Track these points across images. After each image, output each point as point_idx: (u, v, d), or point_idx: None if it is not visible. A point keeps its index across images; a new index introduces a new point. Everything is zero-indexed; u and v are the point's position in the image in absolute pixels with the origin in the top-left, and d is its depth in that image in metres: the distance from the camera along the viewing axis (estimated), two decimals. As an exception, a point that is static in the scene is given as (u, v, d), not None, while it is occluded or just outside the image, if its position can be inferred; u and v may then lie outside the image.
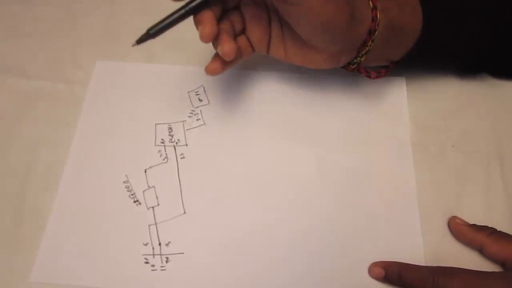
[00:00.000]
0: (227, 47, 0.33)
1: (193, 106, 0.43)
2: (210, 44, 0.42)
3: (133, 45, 0.33)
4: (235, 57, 0.34)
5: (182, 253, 0.37)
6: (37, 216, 0.38)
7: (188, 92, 0.44)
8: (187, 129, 0.42)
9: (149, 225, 0.38)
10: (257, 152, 0.41)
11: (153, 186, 0.39)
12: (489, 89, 0.43)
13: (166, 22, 0.32)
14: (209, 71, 0.35)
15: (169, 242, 0.37)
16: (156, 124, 0.42)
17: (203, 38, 0.32)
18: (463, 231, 0.36)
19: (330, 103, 0.43)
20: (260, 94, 0.44)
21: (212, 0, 0.32)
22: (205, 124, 0.42)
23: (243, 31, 0.37)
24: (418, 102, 0.43)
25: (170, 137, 0.42)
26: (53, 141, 0.42)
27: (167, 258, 0.36)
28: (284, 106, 0.43)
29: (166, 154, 0.41)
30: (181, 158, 0.41)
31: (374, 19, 0.34)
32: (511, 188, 0.39)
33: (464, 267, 0.33)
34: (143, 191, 0.39)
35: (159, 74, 0.45)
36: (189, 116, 0.43)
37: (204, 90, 0.44)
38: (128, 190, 0.39)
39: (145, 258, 0.36)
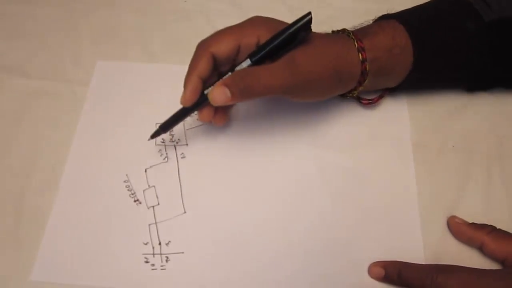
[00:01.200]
0: (219, 121, 0.38)
1: (193, 106, 0.43)
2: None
3: (149, 139, 0.38)
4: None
5: (182, 253, 0.37)
6: (37, 216, 0.38)
7: (189, 92, 0.44)
8: (187, 129, 0.42)
9: (149, 225, 0.38)
10: (257, 152, 0.41)
11: (154, 186, 0.39)
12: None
13: (174, 120, 0.37)
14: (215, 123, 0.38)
15: (169, 241, 0.37)
16: (156, 124, 0.42)
17: (201, 120, 0.37)
18: (462, 230, 0.36)
19: (330, 103, 0.43)
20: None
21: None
22: (205, 123, 0.42)
23: None
24: (418, 102, 0.43)
25: (171, 137, 0.42)
26: (53, 141, 0.42)
27: (167, 257, 0.36)
28: (285, 106, 0.43)
29: (166, 153, 0.41)
30: (182, 157, 0.41)
31: (363, 72, 0.37)
32: (511, 188, 0.39)
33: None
34: (144, 191, 0.39)
35: (159, 74, 0.45)
36: (190, 116, 0.43)
37: (205, 90, 0.44)
38: (128, 190, 0.39)
39: (145, 257, 0.36)
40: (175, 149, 0.41)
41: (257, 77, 0.33)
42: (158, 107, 0.43)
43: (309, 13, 0.33)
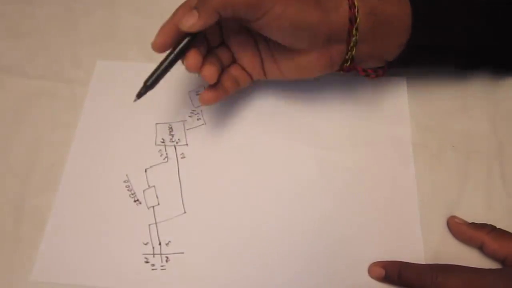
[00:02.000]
0: (207, 71, 0.35)
1: (193, 106, 0.43)
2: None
3: (134, 100, 0.35)
4: (231, 86, 0.38)
5: (182, 253, 0.37)
6: (37, 216, 0.38)
7: (189, 92, 0.44)
8: (187, 129, 0.42)
9: (149, 225, 0.38)
10: (257, 152, 0.41)
11: (154, 186, 0.39)
12: (489, 89, 0.43)
13: (158, 71, 0.34)
14: (203, 100, 0.37)
15: (169, 241, 0.37)
16: (156, 124, 0.42)
17: (189, 69, 0.35)
18: (462, 230, 0.36)
19: (330, 103, 0.43)
20: (261, 95, 0.44)
21: (195, 41, 0.34)
22: (205, 123, 0.42)
23: (235, 62, 0.39)
24: (419, 102, 0.43)
25: (171, 137, 0.42)
26: (53, 141, 0.42)
27: (167, 257, 0.36)
28: (285, 106, 0.43)
29: (166, 153, 0.41)
30: (182, 157, 0.41)
31: (351, 6, 0.34)
32: (511, 188, 0.39)
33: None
34: (144, 191, 0.39)
35: (159, 74, 0.45)
36: (190, 116, 0.43)
37: (205, 90, 0.44)
38: (128, 190, 0.39)
39: (145, 258, 0.36)
40: (175, 149, 0.41)
41: None
42: (158, 107, 0.43)
43: None
